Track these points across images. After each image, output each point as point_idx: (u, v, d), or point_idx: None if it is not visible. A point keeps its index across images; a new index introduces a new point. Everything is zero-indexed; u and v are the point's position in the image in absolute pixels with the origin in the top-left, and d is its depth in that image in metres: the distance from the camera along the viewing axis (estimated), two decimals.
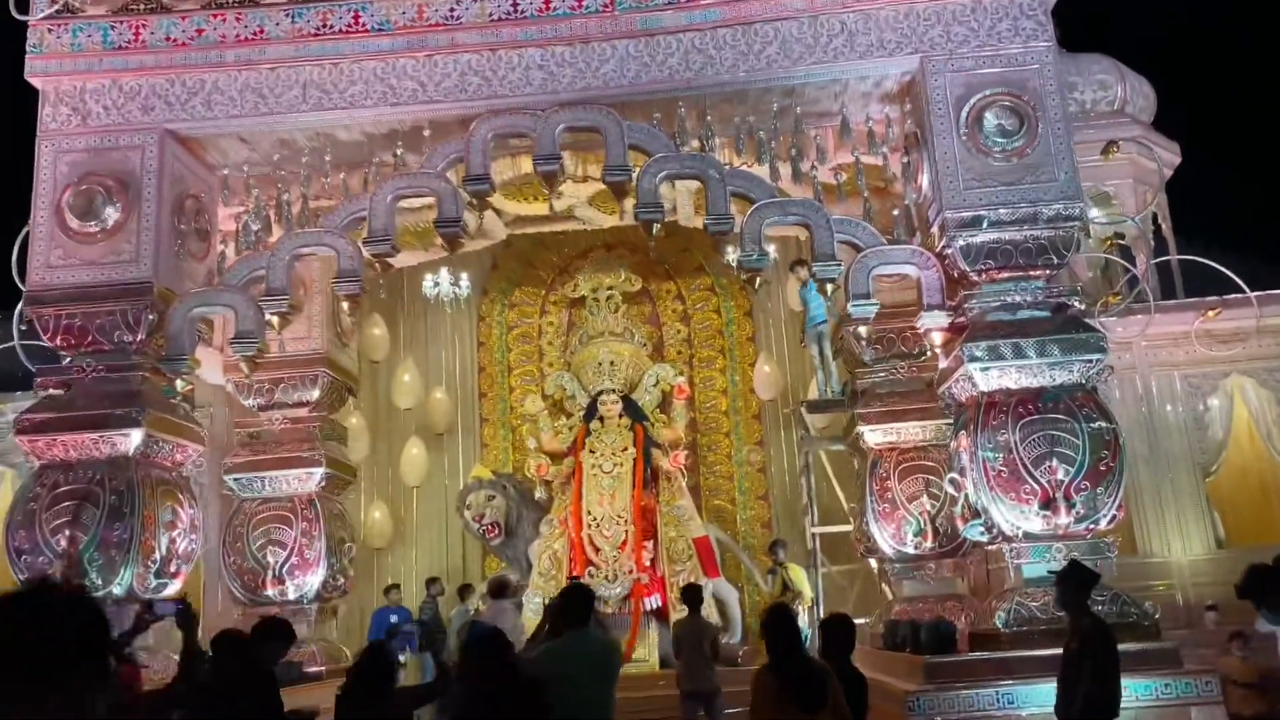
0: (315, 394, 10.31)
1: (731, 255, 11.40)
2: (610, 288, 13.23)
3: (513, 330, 13.99)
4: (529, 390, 13.44)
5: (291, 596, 9.84)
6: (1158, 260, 12.36)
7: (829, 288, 8.35)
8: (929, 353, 9.47)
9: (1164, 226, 12.94)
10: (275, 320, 8.33)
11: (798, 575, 10.63)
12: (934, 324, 8.19)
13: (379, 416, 13.55)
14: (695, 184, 8.82)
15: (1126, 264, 11.81)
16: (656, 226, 8.46)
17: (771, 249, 11.88)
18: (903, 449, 9.87)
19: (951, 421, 8.69)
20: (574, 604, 5.57)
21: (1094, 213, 12.00)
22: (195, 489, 11.50)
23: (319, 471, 10.05)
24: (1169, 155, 12.93)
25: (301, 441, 10.20)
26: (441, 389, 13.54)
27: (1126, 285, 11.90)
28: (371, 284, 11.84)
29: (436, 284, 12.22)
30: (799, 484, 11.85)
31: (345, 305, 8.40)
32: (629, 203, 9.69)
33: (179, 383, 8.22)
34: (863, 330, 8.44)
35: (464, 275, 12.34)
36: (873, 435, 9.93)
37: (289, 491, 10.06)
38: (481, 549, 13.08)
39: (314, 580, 9.89)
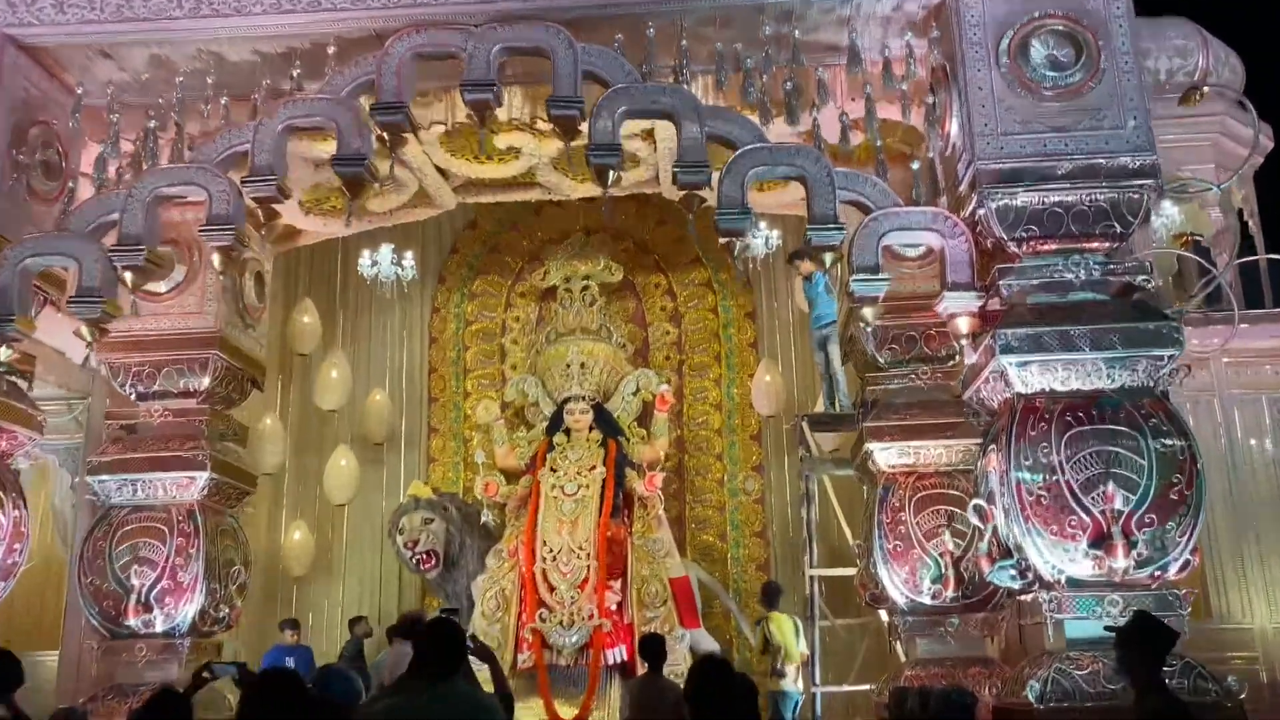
0: (205, 382, 9.12)
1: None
2: (586, 278, 12.10)
3: (471, 325, 12.86)
4: (487, 396, 12.25)
5: (160, 628, 8.63)
6: (1242, 261, 10.95)
7: (827, 258, 7.09)
8: (958, 354, 8.33)
9: (1251, 223, 11.51)
10: (129, 276, 7.14)
11: (782, 628, 9.40)
12: (959, 307, 6.95)
13: (306, 420, 12.47)
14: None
15: (1205, 263, 10.43)
16: (613, 175, 7.26)
17: (775, 235, 10.90)
18: (922, 474, 8.63)
19: (981, 440, 7.51)
20: (436, 646, 4.30)
21: (1167, 207, 10.66)
22: (69, 496, 10.57)
23: (203, 476, 8.86)
24: (1261, 140, 11.51)
25: (185, 439, 9.01)
26: (382, 391, 12.40)
27: (1202, 289, 10.50)
28: (269, 243, 10.71)
29: (375, 263, 11.03)
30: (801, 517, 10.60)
31: (215, 259, 7.19)
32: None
33: (3, 350, 7.03)
34: (869, 314, 7.19)
35: (409, 254, 11.17)
36: (885, 455, 8.69)
37: (165, 499, 8.86)
38: (423, 583, 11.84)
39: (189, 610, 8.67)
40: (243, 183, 7.18)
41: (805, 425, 10.13)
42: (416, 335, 12.86)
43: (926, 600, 8.31)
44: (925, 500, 8.52)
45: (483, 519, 10.92)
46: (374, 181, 7.32)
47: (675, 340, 12.68)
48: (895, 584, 8.40)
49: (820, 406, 10.35)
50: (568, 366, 11.50)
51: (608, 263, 12.22)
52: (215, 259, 7.23)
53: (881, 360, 8.90)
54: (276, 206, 7.53)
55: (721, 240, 7.63)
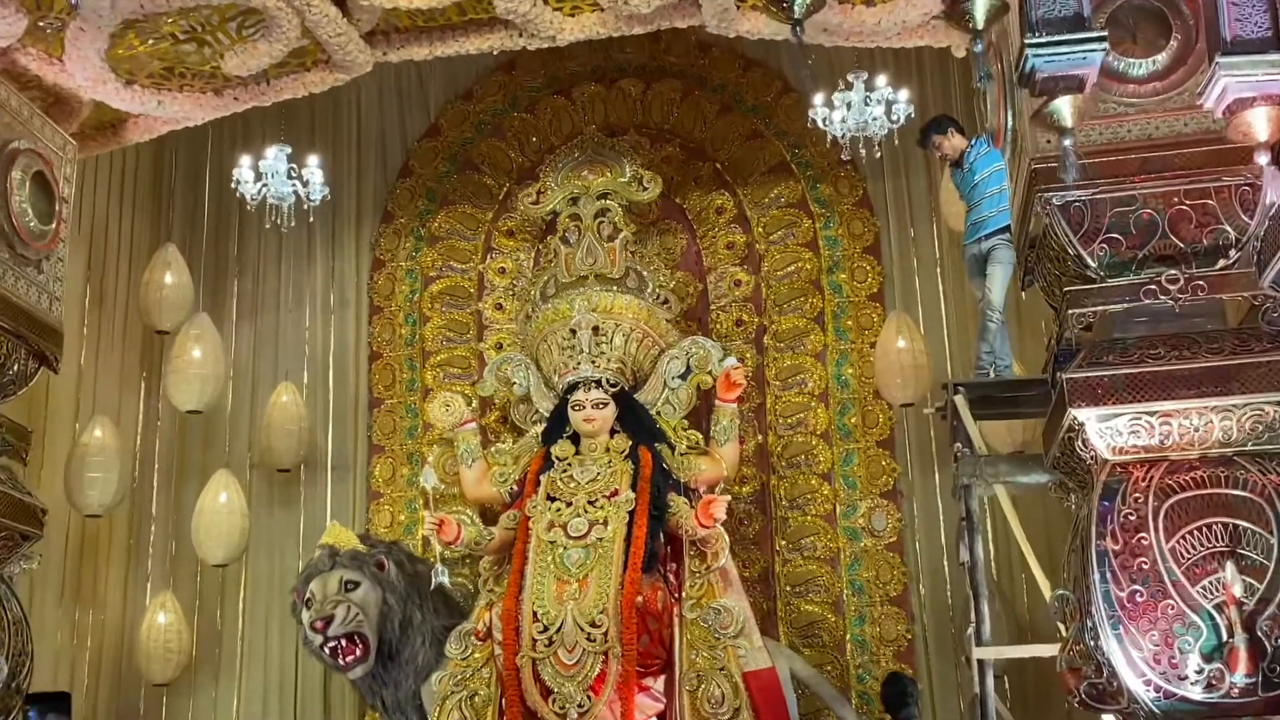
0: None
1: (828, 114, 8.25)
2: (604, 195, 10.15)
3: (433, 284, 11.07)
4: (454, 389, 10.44)
5: None
6: None
7: (978, 10, 4.85)
8: (1240, 240, 6.30)
9: None
10: None
11: None
12: (1248, 86, 4.75)
13: (174, 433, 10.84)
14: None
15: None
16: None
17: (904, 100, 8.77)
18: (1176, 463, 6.44)
19: None
20: None
21: None
22: None
23: None
24: None
25: None
26: (293, 389, 10.63)
27: None
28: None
29: (260, 177, 9.01)
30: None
31: None
32: None
33: None
34: (1065, 112, 5.02)
35: (314, 160, 9.18)
36: (1105, 433, 6.54)
37: None
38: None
39: None
40: None
41: (959, 402, 8.09)
42: (350, 303, 11.22)
43: (1194, 693, 6.13)
44: (1185, 510, 6.33)
45: (434, 580, 8.73)
46: None
47: (750, 294, 10.75)
48: (1133, 665, 6.21)
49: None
50: (573, 333, 9.57)
51: (637, 172, 10.26)
52: None
53: (1093, 264, 6.68)
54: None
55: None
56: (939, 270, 10.43)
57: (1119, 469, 6.45)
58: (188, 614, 10.25)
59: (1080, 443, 6.56)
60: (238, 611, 10.56)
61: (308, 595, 9.06)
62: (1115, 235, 6.65)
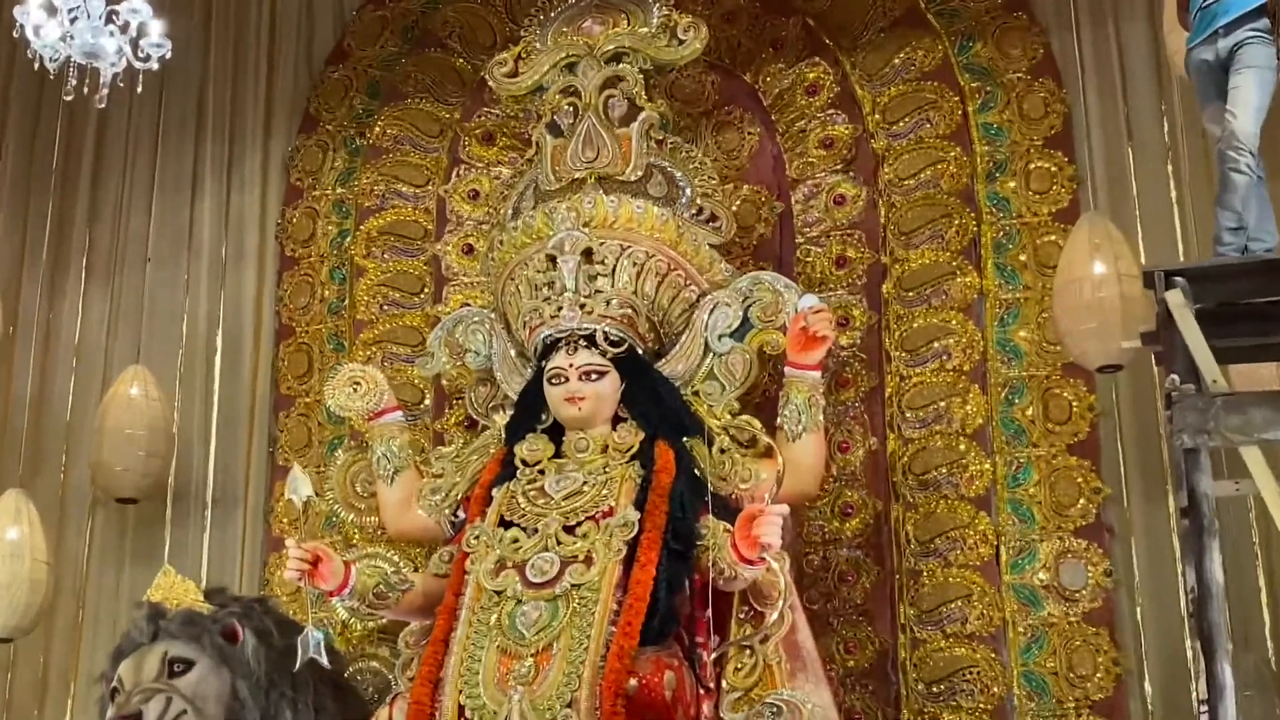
0: None
1: None
2: (615, 59, 8.13)
3: (370, 219, 9.31)
4: (398, 374, 8.82)
5: None
6: None
7: None
8: None
9: None
10: None
11: None
12: None
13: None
14: None
15: None
16: None
17: None
18: None
19: None
20: None
21: None
22: None
23: None
24: None
25: None
26: (145, 379, 8.85)
27: None
28: None
29: (61, 27, 7.15)
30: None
31: None
32: None
33: None
34: None
35: (144, 8, 7.35)
36: None
37: None
38: None
39: None
40: None
41: (1173, 300, 5.76)
42: (251, 253, 9.47)
43: None
44: None
45: (302, 654, 6.50)
46: None
47: (860, 217, 8.70)
48: None
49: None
50: (552, 262, 7.50)
51: (668, 17, 8.13)
52: None
53: None
54: None
55: None
56: (1170, 167, 8.11)
57: None
58: None
59: None
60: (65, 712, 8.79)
61: (114, 683, 7.10)
62: None
